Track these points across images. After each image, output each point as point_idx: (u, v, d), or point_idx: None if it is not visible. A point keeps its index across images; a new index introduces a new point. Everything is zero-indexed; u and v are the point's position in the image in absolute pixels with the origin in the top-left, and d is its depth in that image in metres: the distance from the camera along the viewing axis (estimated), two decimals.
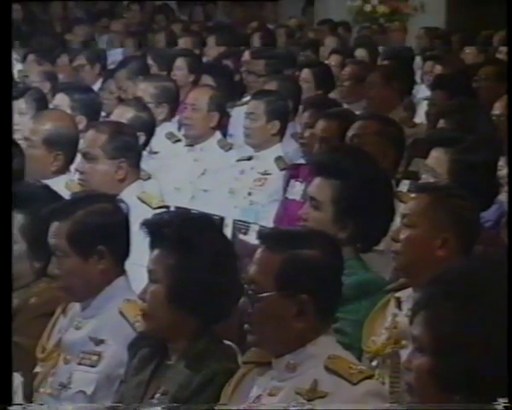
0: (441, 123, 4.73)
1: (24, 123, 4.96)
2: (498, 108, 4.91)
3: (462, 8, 11.67)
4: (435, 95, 5.75)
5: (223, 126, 6.01)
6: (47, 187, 3.56)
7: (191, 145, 5.70)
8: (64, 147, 4.47)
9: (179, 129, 5.88)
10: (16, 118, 5.26)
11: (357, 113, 4.91)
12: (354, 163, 3.38)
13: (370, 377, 2.53)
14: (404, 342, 2.83)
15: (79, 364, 3.01)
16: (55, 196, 3.43)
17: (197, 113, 5.66)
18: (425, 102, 6.07)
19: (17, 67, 7.15)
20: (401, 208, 3.22)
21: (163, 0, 12.94)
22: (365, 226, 3.28)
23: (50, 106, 5.43)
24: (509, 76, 5.07)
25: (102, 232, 3.07)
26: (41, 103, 5.42)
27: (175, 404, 2.64)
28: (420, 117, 6.32)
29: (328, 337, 2.60)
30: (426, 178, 3.88)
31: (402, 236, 3.01)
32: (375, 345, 2.94)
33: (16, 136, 4.53)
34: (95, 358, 2.99)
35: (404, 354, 2.72)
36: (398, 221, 3.20)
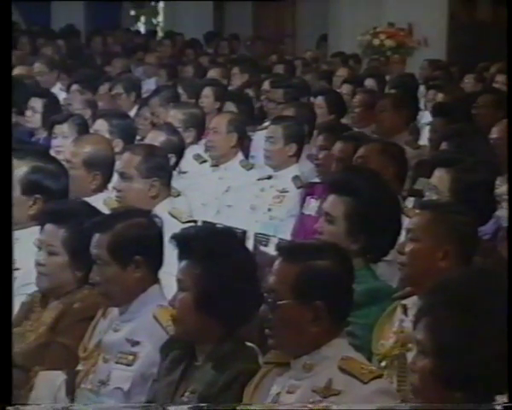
0: (443, 145, 4.72)
1: (66, 145, 4.97)
2: (495, 133, 4.89)
3: (462, 43, 11.67)
4: (437, 120, 5.73)
5: (245, 148, 6.02)
6: (87, 204, 3.56)
7: (216, 165, 5.71)
8: (102, 167, 4.47)
9: (205, 151, 5.88)
10: (59, 140, 5.29)
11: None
12: (365, 182, 3.37)
13: (380, 376, 2.52)
14: (409, 346, 2.81)
15: (117, 363, 3.00)
16: (93, 211, 3.43)
17: (218, 135, 5.67)
18: (428, 127, 6.05)
19: (62, 96, 7.18)
20: (406, 223, 3.21)
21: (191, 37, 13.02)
22: (375, 239, 3.27)
23: (91, 130, 5.44)
24: (509, 96, 5.05)
25: (139, 244, 3.08)
26: (82, 128, 5.43)
27: (202, 404, 2.63)
28: (423, 140, 6.30)
29: (341, 340, 2.59)
30: (429, 195, 3.86)
31: (407, 249, 3.00)
32: (383, 348, 2.92)
33: (59, 156, 4.54)
34: (131, 358, 2.99)
35: (410, 356, 2.71)
36: (403, 235, 3.19)
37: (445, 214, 3.01)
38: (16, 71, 8.44)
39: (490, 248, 3.59)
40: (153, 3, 20.07)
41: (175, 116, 5.83)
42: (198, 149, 5.85)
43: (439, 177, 3.85)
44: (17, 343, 3.27)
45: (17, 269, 3.57)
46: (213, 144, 5.69)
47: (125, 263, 3.06)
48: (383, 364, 2.87)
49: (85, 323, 3.19)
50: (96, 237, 3.08)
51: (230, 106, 6.57)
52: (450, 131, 4.95)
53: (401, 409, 2.46)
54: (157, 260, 3.11)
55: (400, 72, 9.78)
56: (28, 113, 6.38)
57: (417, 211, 3.13)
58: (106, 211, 3.76)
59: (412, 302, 2.93)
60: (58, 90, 7.62)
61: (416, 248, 2.97)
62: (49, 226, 3.32)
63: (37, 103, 6.37)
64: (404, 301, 2.99)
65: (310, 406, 2.43)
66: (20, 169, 3.77)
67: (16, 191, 3.74)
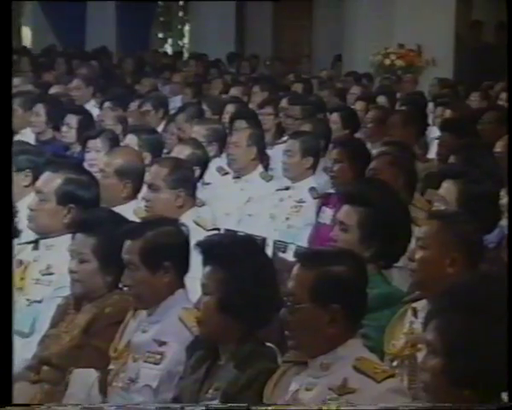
0: (451, 159, 4.69)
1: (99, 158, 4.99)
2: (499, 147, 4.86)
3: (467, 63, 11.63)
4: (445, 135, 5.70)
5: (264, 161, 6.02)
6: (114, 212, 3.56)
7: (237, 177, 5.71)
8: (132, 177, 4.48)
9: (227, 164, 5.88)
10: (93, 154, 5.30)
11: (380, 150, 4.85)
12: (377, 193, 3.36)
13: (392, 376, 2.51)
14: (419, 346, 2.79)
15: (145, 362, 3.00)
16: (120, 219, 3.42)
17: (239, 149, 5.66)
18: (436, 142, 6.02)
19: (95, 112, 7.20)
20: (416, 232, 3.19)
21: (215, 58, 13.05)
22: (386, 247, 3.26)
23: (121, 144, 5.45)
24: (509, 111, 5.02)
25: (168, 250, 3.07)
26: (114, 142, 5.44)
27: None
28: (432, 154, 6.27)
29: (356, 341, 2.58)
30: (438, 205, 3.84)
31: (417, 256, 2.98)
32: (395, 348, 2.90)
33: (92, 169, 4.55)
34: (158, 357, 2.98)
35: (420, 356, 2.69)
36: (413, 243, 3.17)
37: (452, 224, 2.99)
38: (53, 89, 8.49)
39: (495, 256, 3.57)
40: (179, 27, 20.14)
41: (198, 131, 5.84)
42: (220, 161, 5.85)
43: (447, 188, 3.83)
44: (53, 344, 3.28)
45: (52, 274, 3.59)
46: (235, 157, 5.69)
47: (154, 268, 3.05)
48: (394, 363, 2.85)
49: (116, 326, 3.19)
50: (128, 243, 3.08)
51: (240, 122, 6.54)
52: (457, 146, 4.92)
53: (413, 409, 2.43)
54: (184, 266, 3.10)
55: (412, 90, 9.75)
56: (64, 128, 6.40)
57: (426, 220, 3.11)
58: (135, 219, 3.77)
59: (422, 306, 2.92)
60: (92, 107, 7.65)
61: (425, 256, 2.95)
62: (79, 236, 3.32)
63: (72, 120, 6.39)
64: (414, 305, 2.97)
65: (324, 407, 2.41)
66: (55, 181, 3.78)
67: (52, 202, 3.75)
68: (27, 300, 3.57)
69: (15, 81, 9.05)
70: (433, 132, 6.97)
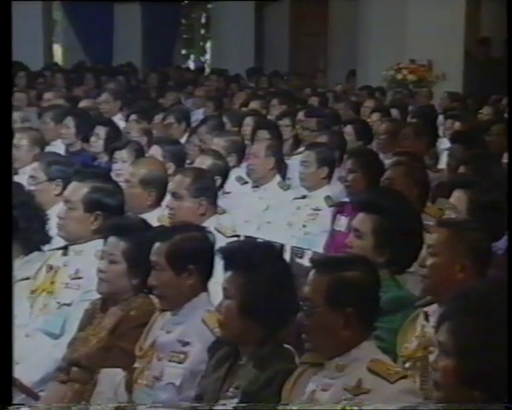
0: (461, 169, 4.66)
1: (125, 168, 5.00)
2: (507, 158, 4.82)
3: (477, 77, 11.57)
4: (455, 147, 5.67)
5: (282, 171, 6.01)
6: (144, 220, 3.57)
7: (256, 186, 5.70)
8: (157, 186, 4.49)
9: (247, 173, 5.88)
10: (119, 164, 5.31)
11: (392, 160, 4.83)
12: (391, 201, 3.35)
13: (405, 377, 2.49)
14: (431, 349, 2.77)
15: (169, 361, 3.00)
16: (149, 226, 3.43)
17: (257, 159, 5.66)
18: (446, 153, 5.99)
19: (122, 125, 7.22)
20: (427, 239, 3.17)
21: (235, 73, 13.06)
22: (399, 253, 3.24)
23: (146, 155, 5.46)
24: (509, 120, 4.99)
25: (193, 254, 3.08)
26: (139, 153, 5.45)
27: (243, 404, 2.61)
28: (442, 164, 6.24)
29: (370, 343, 2.56)
30: (448, 214, 3.82)
31: (428, 262, 2.96)
32: (407, 350, 2.89)
33: (119, 179, 4.56)
34: (182, 356, 2.99)
35: (431, 358, 2.68)
36: (425, 250, 3.15)
37: (462, 231, 2.97)
38: (82, 103, 8.52)
39: (503, 262, 3.53)
40: (201, 43, 20.19)
41: (218, 143, 5.84)
42: (240, 171, 5.85)
43: (458, 197, 3.81)
44: (81, 346, 3.29)
45: (81, 278, 3.59)
46: (254, 167, 5.69)
47: (179, 270, 3.06)
48: (407, 365, 2.83)
49: (140, 327, 3.19)
50: (157, 245, 3.09)
51: (264, 133, 6.56)
52: (466, 157, 4.89)
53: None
54: (208, 270, 3.10)
55: (425, 104, 9.71)
56: (92, 139, 6.42)
57: (437, 228, 3.09)
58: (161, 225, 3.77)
59: (433, 310, 2.90)
60: (119, 120, 7.66)
61: (436, 262, 2.93)
62: (111, 238, 3.33)
63: (100, 131, 6.41)
64: (425, 309, 2.95)
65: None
66: (82, 190, 3.78)
67: (79, 210, 3.75)
68: (57, 303, 3.57)
69: (47, 95, 9.11)
70: (444, 144, 6.93)
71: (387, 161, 4.99)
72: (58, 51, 17.06)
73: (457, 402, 2.12)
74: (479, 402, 2.08)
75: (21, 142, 5.91)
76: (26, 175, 5.04)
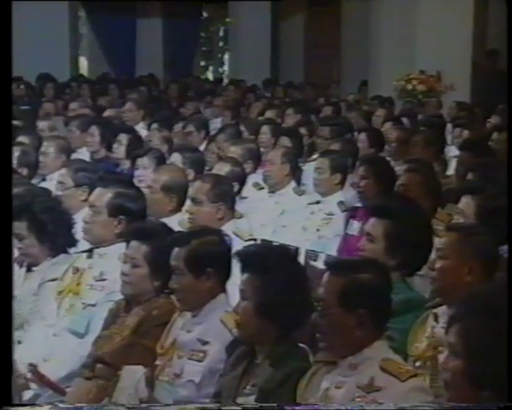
0: (469, 176, 4.64)
1: (147, 175, 5.00)
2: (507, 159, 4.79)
3: (483, 88, 11.51)
4: (464, 154, 5.64)
5: (297, 177, 6.00)
6: (165, 224, 3.57)
7: (272, 192, 5.69)
8: (177, 192, 4.49)
9: (263, 180, 5.87)
10: (141, 171, 5.31)
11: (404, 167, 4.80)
12: (401, 206, 3.34)
13: (416, 375, 2.48)
14: (440, 348, 2.76)
15: (189, 359, 3.00)
16: (170, 231, 3.42)
17: (273, 166, 5.65)
18: (455, 160, 5.96)
19: (144, 133, 7.23)
20: (437, 243, 3.15)
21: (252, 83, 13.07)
22: (410, 256, 3.23)
23: (167, 162, 5.47)
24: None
25: (211, 258, 3.07)
26: (160, 160, 5.46)
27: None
28: (450, 170, 6.20)
29: (382, 343, 2.55)
30: (457, 219, 3.80)
31: (437, 265, 2.94)
32: (417, 350, 2.87)
33: (141, 185, 4.56)
34: (201, 355, 2.98)
35: (441, 357, 2.66)
36: (434, 253, 3.14)
37: (470, 235, 2.95)
38: (107, 113, 8.56)
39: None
40: (219, 55, 20.22)
41: (235, 151, 5.84)
42: (256, 177, 5.84)
43: (466, 203, 3.79)
44: (105, 344, 3.29)
45: (105, 280, 3.60)
46: (270, 174, 5.68)
47: (198, 274, 3.05)
48: (417, 364, 2.82)
49: (162, 327, 3.18)
50: (176, 250, 3.09)
51: (285, 140, 6.57)
52: (475, 164, 4.87)
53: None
54: (225, 273, 3.09)
55: (435, 113, 9.68)
56: (115, 145, 6.44)
57: (446, 232, 3.07)
58: (181, 230, 3.77)
59: (442, 311, 2.89)
60: (141, 129, 7.68)
61: (445, 265, 2.91)
62: (134, 243, 3.33)
63: (122, 138, 6.43)
64: (435, 310, 2.93)
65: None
66: (106, 195, 3.77)
67: (104, 214, 3.74)
68: (82, 303, 3.57)
69: (73, 105, 9.15)
70: (452, 151, 6.90)
71: (398, 167, 4.97)
72: (84, 63, 17.15)
73: (466, 402, 2.10)
74: (486, 402, 2.06)
75: (49, 149, 5.93)
76: (53, 181, 5.07)
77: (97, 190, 3.85)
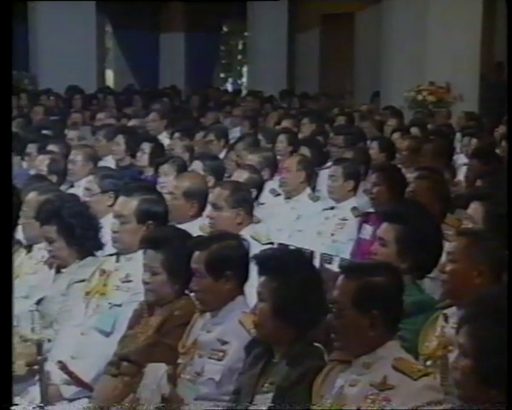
0: (478, 182, 4.61)
1: (169, 181, 5.00)
2: (507, 161, 4.76)
3: (491, 98, 11.45)
4: (473, 162, 5.61)
5: (312, 184, 5.98)
6: (179, 229, 3.53)
7: (288, 198, 5.68)
8: (198, 198, 4.48)
9: (279, 186, 5.86)
10: (163, 178, 5.32)
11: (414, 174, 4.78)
12: (412, 212, 3.32)
13: (427, 374, 2.46)
14: (450, 348, 2.74)
15: (209, 358, 3.00)
16: (185, 235, 3.37)
17: (289, 173, 5.63)
18: (464, 167, 5.92)
19: (166, 142, 7.25)
20: (447, 247, 3.13)
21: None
22: (421, 260, 3.21)
23: (189, 169, 5.47)
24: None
25: (229, 261, 3.06)
26: (182, 168, 5.46)
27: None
28: (459, 178, 6.17)
29: (394, 343, 2.54)
30: (466, 224, 3.77)
31: (447, 268, 2.92)
32: (428, 349, 2.85)
33: (163, 191, 4.55)
34: (221, 354, 2.98)
35: (450, 356, 2.64)
36: (444, 257, 3.12)
37: (479, 240, 2.93)
38: (131, 122, 8.59)
39: None
40: (238, 68, 20.25)
41: (252, 159, 5.84)
42: (273, 184, 5.83)
43: (475, 208, 3.76)
44: (130, 343, 3.29)
45: (131, 281, 3.60)
46: (286, 181, 5.67)
47: (217, 276, 3.04)
48: (428, 363, 2.79)
49: (183, 326, 3.18)
50: (196, 254, 3.08)
51: (303, 149, 6.56)
52: (483, 171, 4.84)
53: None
54: (244, 275, 3.09)
55: (444, 122, 9.64)
56: (139, 154, 6.46)
57: (455, 237, 3.05)
58: (200, 234, 3.75)
59: (452, 312, 2.87)
60: (164, 138, 7.70)
61: (455, 268, 2.89)
62: (149, 252, 3.30)
63: (146, 146, 6.44)
64: (445, 311, 2.91)
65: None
66: (132, 203, 3.73)
67: (133, 222, 3.71)
68: (109, 303, 3.57)
69: (100, 115, 9.19)
70: (461, 159, 6.86)
71: (409, 175, 4.95)
72: (110, 76, 17.24)
73: (475, 400, 2.09)
74: (494, 401, 2.04)
75: (77, 157, 5.96)
76: (81, 187, 5.08)
77: (122, 199, 3.80)
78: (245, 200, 4.25)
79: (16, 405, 2.62)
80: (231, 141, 7.47)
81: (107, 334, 3.51)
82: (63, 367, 3.39)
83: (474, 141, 6.94)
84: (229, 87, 18.95)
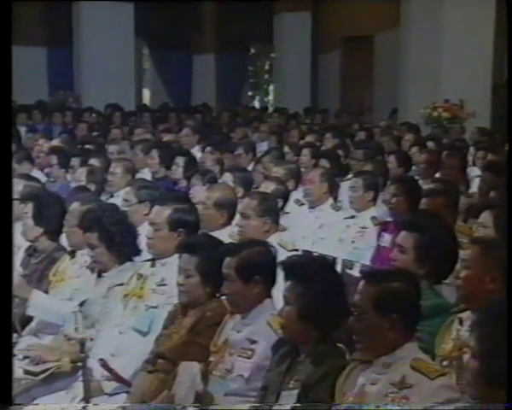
0: (491, 194, 4.57)
1: (200, 192, 5.02)
2: (507, 161, 4.70)
3: (503, 115, 11.34)
4: (486, 174, 5.56)
5: (334, 194, 5.97)
6: (211, 236, 3.54)
7: (312, 207, 5.66)
8: (228, 208, 4.48)
9: (303, 197, 5.85)
10: (196, 189, 5.34)
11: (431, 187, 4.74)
12: (430, 221, 3.30)
13: (444, 374, 2.44)
14: (464, 350, 2.70)
15: (239, 356, 2.99)
16: (217, 242, 3.38)
17: (313, 185, 5.61)
18: (477, 179, 5.87)
19: (198, 155, 7.27)
20: (461, 254, 3.11)
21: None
22: (437, 266, 3.19)
23: (219, 181, 5.49)
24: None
25: (258, 267, 3.06)
26: (212, 179, 5.49)
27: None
28: (472, 189, 6.11)
29: (412, 344, 2.52)
30: (477, 230, 3.74)
31: (462, 274, 2.90)
32: (444, 351, 2.82)
33: (194, 200, 4.56)
34: (250, 353, 2.98)
35: (465, 357, 2.61)
36: (459, 264, 3.09)
37: (491, 248, 2.90)
38: (166, 137, 8.64)
39: None
40: (265, 86, 20.28)
41: (278, 171, 5.84)
42: (297, 195, 5.83)
43: (486, 217, 3.72)
44: (166, 342, 3.30)
45: (166, 285, 3.61)
46: (309, 191, 5.66)
47: (247, 281, 3.04)
48: (444, 363, 2.76)
49: (215, 326, 3.18)
50: (227, 259, 3.08)
51: (324, 162, 6.55)
52: (496, 183, 4.79)
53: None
54: (271, 280, 3.08)
55: (458, 137, 9.58)
56: (173, 167, 6.50)
57: (469, 245, 3.02)
58: (232, 242, 3.75)
59: (466, 316, 2.84)
60: (196, 152, 7.73)
61: (469, 274, 2.86)
62: (185, 256, 3.32)
63: (180, 160, 6.48)
64: (460, 315, 2.89)
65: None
66: (165, 212, 3.75)
67: (165, 229, 3.72)
68: (146, 305, 3.59)
69: (137, 131, 9.27)
70: (474, 172, 6.80)
71: (426, 186, 4.92)
72: (147, 94, 17.37)
73: (485, 399, 2.06)
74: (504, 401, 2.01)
75: (116, 170, 6.01)
76: (119, 198, 5.12)
77: (156, 208, 3.84)
78: (271, 209, 4.25)
79: (17, 405, 2.53)
80: (259, 154, 7.49)
81: (144, 334, 3.53)
82: (104, 364, 3.41)
83: (489, 155, 6.88)
84: (257, 104, 18.97)
